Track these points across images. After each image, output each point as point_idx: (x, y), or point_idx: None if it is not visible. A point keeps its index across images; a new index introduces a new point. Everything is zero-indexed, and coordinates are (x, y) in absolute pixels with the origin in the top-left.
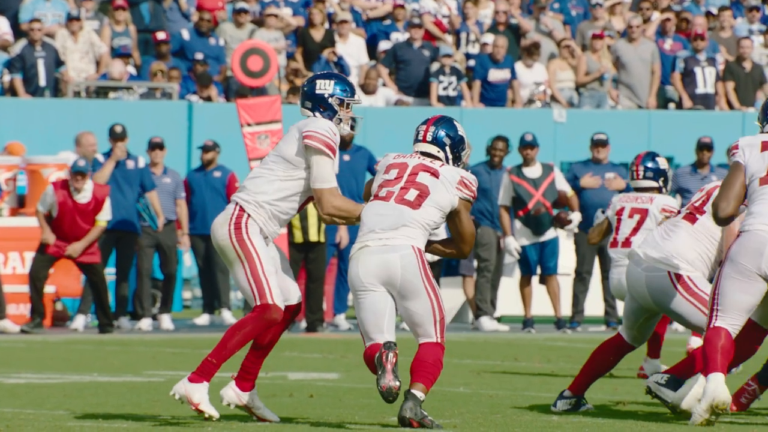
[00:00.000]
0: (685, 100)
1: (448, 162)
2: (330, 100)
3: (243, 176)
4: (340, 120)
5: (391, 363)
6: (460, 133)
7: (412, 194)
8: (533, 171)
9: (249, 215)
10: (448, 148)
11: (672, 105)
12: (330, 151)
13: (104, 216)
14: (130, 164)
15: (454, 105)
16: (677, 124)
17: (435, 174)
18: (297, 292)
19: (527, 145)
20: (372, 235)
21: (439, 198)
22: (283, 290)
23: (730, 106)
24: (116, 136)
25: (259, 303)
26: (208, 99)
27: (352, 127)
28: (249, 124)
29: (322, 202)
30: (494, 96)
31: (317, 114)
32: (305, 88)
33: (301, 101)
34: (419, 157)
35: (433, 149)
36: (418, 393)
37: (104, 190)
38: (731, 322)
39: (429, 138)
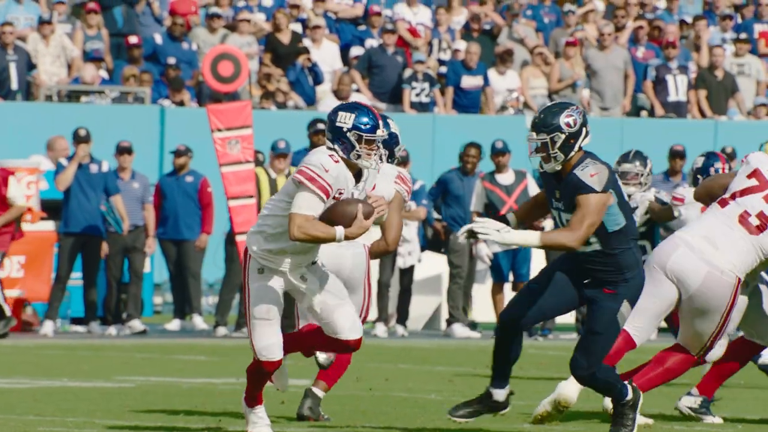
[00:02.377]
0: (656, 108)
1: (381, 158)
2: (348, 134)
3: (215, 182)
4: (359, 155)
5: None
6: (393, 129)
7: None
8: (506, 178)
9: (250, 255)
10: (381, 145)
11: (644, 113)
12: (313, 185)
13: (12, 193)
14: (94, 168)
15: (427, 111)
16: (649, 132)
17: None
18: (350, 325)
19: (499, 152)
20: None
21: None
22: (331, 324)
23: (703, 114)
24: (79, 139)
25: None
26: (181, 104)
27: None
28: (219, 130)
29: (290, 226)
30: (467, 103)
31: (336, 146)
32: (329, 118)
33: (326, 131)
34: None
35: None
36: (319, 391)
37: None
38: (635, 324)
39: None
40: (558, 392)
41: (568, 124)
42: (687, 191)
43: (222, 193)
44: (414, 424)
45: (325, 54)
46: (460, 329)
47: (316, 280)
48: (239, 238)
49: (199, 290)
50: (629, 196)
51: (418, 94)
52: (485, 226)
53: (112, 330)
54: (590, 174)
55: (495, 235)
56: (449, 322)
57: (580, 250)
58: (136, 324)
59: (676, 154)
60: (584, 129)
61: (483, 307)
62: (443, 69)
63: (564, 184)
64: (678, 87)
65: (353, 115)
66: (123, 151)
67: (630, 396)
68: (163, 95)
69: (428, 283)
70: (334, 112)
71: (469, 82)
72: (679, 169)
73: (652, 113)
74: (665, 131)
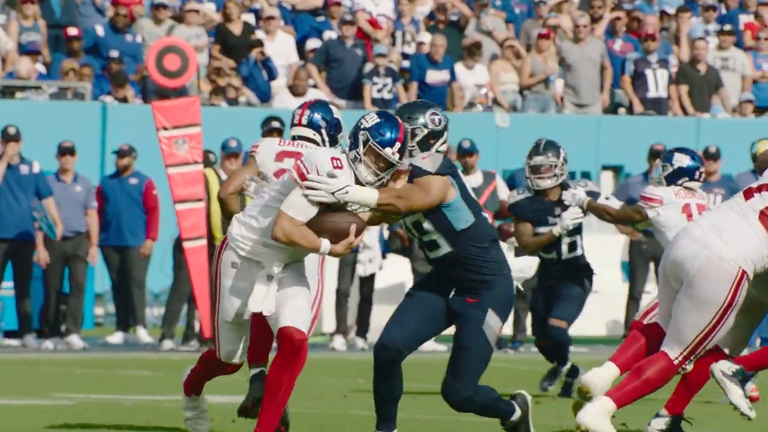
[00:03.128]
0: (635, 104)
1: (324, 145)
2: (359, 132)
3: (161, 183)
4: (357, 157)
5: None
6: (336, 116)
7: None
8: (474, 179)
9: (226, 243)
10: (323, 131)
11: (622, 110)
12: (301, 180)
13: None
14: (24, 169)
15: (390, 108)
16: (627, 130)
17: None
18: (294, 317)
19: (466, 152)
20: None
21: None
22: (275, 317)
23: (684, 111)
24: (8, 137)
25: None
26: (124, 100)
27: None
28: (165, 128)
29: (276, 223)
30: (432, 99)
31: (347, 149)
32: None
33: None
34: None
35: (309, 132)
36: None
37: None
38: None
39: (304, 121)
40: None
41: (433, 122)
42: (663, 191)
43: (168, 196)
44: None
45: (280, 47)
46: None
47: (287, 284)
48: (187, 245)
49: (143, 300)
50: (560, 195)
51: (379, 90)
52: (318, 183)
53: (49, 344)
54: (422, 157)
55: (326, 195)
56: None
57: (432, 256)
58: (75, 340)
59: (657, 154)
60: (446, 134)
61: None
62: (406, 63)
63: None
64: (658, 82)
65: (379, 120)
66: (65, 151)
67: (517, 414)
68: (105, 91)
69: (390, 292)
70: (369, 114)
71: (434, 77)
72: None
73: (630, 110)
74: (644, 129)
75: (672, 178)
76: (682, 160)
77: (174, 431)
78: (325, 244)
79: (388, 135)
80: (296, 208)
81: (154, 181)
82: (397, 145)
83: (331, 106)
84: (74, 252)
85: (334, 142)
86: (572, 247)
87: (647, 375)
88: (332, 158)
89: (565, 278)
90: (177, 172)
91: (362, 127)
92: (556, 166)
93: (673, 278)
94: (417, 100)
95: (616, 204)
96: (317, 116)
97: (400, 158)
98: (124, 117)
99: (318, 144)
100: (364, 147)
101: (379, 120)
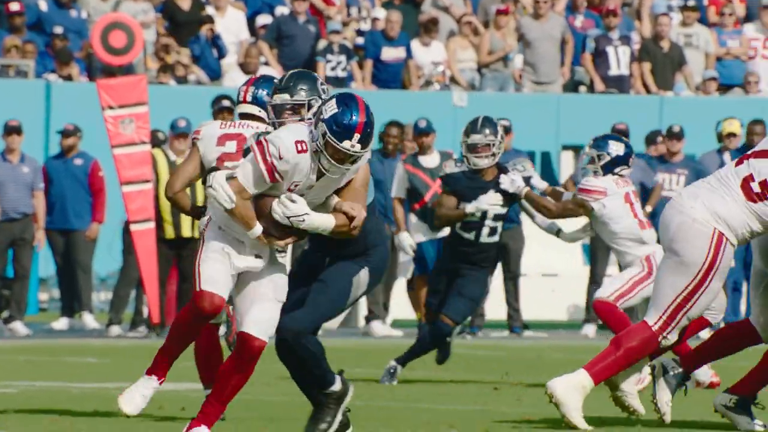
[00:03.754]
0: (596, 82)
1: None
2: (319, 123)
3: (107, 164)
4: (317, 149)
5: None
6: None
7: None
8: (430, 160)
9: (210, 217)
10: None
11: (582, 88)
12: (262, 165)
13: None
14: None
15: (344, 86)
16: (588, 108)
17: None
18: (258, 322)
19: (422, 132)
20: None
21: None
22: (243, 314)
23: (647, 90)
24: None
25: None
26: (69, 78)
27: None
28: (111, 107)
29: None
30: (387, 77)
31: (312, 129)
32: (323, 96)
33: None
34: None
35: (254, 109)
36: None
37: None
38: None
39: (249, 98)
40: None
41: (323, 91)
42: (604, 181)
43: (115, 177)
44: None
45: (230, 23)
46: (379, 327)
47: (265, 270)
48: (134, 228)
49: (89, 285)
50: (497, 176)
51: (333, 68)
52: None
53: None
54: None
55: (281, 216)
56: (368, 320)
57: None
58: (18, 327)
59: (619, 134)
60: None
61: (405, 302)
62: (361, 40)
63: None
64: (620, 60)
65: (337, 110)
66: (11, 131)
67: (337, 387)
68: (49, 69)
69: None
70: (325, 101)
71: (389, 54)
72: None
73: (591, 88)
74: (606, 108)
75: (609, 167)
76: (618, 149)
77: (121, 418)
78: (258, 229)
79: (345, 126)
80: (247, 175)
81: (101, 162)
82: (357, 136)
83: (276, 81)
84: (20, 235)
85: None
86: (493, 232)
87: (627, 345)
88: (296, 142)
89: (473, 265)
90: (123, 153)
91: (321, 117)
92: (493, 144)
93: (666, 249)
94: (301, 70)
95: (555, 197)
96: (262, 92)
97: (363, 149)
98: (68, 95)
99: (265, 121)
100: (322, 139)
101: (337, 109)
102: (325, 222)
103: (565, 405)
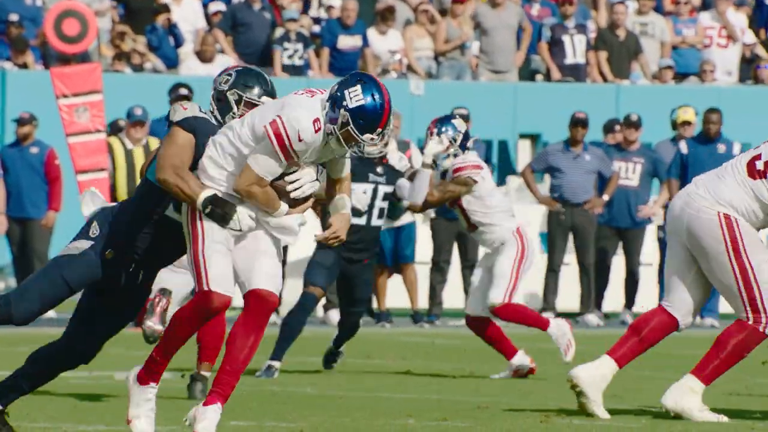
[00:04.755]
0: (553, 71)
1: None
2: (341, 110)
3: (62, 153)
4: (332, 133)
5: (162, 308)
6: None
7: None
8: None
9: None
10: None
11: (539, 77)
12: (281, 151)
13: None
14: None
15: (301, 75)
16: (545, 97)
17: None
18: (267, 276)
19: None
20: None
21: None
22: (247, 272)
23: (604, 78)
24: None
25: (197, 289)
26: (24, 66)
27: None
28: (65, 96)
29: (242, 176)
30: (344, 65)
31: (327, 109)
32: (340, 82)
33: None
34: None
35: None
36: (206, 372)
37: None
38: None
39: None
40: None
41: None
42: (473, 156)
43: (71, 166)
44: (285, 420)
45: (187, 11)
46: (337, 316)
47: (260, 236)
48: None
49: None
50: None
51: (290, 56)
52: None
53: None
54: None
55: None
56: (326, 309)
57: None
58: None
59: (578, 122)
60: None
61: None
62: (317, 28)
63: None
64: (576, 48)
65: (364, 102)
66: None
67: None
68: (4, 56)
69: (303, 265)
70: (353, 80)
71: (346, 42)
72: (581, 139)
73: (548, 77)
74: (563, 96)
75: (463, 145)
76: (462, 125)
77: (75, 408)
78: (284, 206)
79: (371, 119)
80: (265, 167)
81: (57, 151)
82: (378, 130)
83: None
84: None
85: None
86: (381, 213)
87: (734, 342)
88: (314, 121)
89: (363, 252)
90: (78, 141)
91: (345, 105)
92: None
93: (692, 249)
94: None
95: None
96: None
97: (380, 141)
98: (23, 83)
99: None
100: (342, 128)
101: (364, 100)
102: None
103: (686, 412)
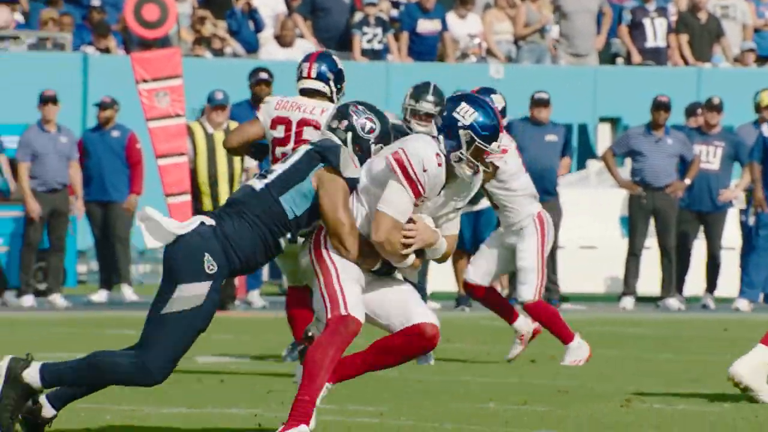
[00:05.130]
0: (633, 54)
1: (332, 96)
2: (460, 131)
3: (143, 137)
4: (461, 158)
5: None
6: (340, 66)
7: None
8: None
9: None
10: (331, 83)
11: (619, 60)
12: (409, 186)
13: None
14: None
15: (380, 59)
16: (625, 81)
17: (318, 127)
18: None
19: None
20: None
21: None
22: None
23: (685, 61)
24: None
25: (330, 315)
26: (106, 51)
27: (475, 172)
28: (145, 81)
29: (377, 225)
30: (424, 49)
31: (441, 138)
32: (447, 103)
33: (439, 117)
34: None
35: (319, 85)
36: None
37: None
38: None
39: (313, 74)
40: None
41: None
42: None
43: (151, 150)
44: (367, 404)
45: None
46: None
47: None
48: (170, 201)
49: (128, 257)
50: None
51: (369, 40)
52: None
53: (28, 300)
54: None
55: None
56: None
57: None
58: (57, 299)
59: (661, 106)
60: None
61: (442, 275)
62: (397, 12)
63: None
64: (657, 31)
65: (476, 113)
66: (47, 100)
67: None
68: (86, 41)
69: None
70: (456, 101)
71: (425, 26)
72: (663, 122)
73: (628, 60)
74: (643, 80)
75: None
76: (500, 101)
77: (157, 391)
78: (411, 257)
79: (492, 127)
80: (398, 207)
81: (138, 135)
82: (499, 135)
83: (335, 57)
84: (57, 206)
85: (339, 92)
86: None
87: None
88: (436, 154)
89: None
90: (158, 126)
91: (461, 125)
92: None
93: None
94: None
95: None
96: (324, 68)
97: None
98: (106, 68)
99: (326, 97)
100: (468, 148)
101: (476, 112)
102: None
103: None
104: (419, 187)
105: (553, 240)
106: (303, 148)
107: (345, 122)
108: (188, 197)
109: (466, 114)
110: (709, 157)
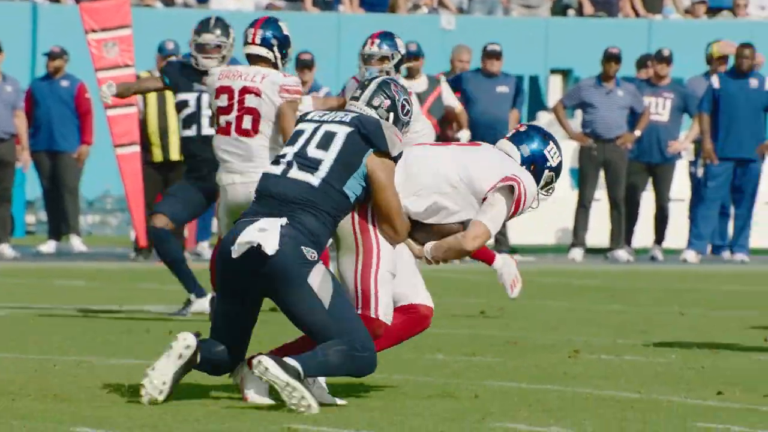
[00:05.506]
0: (585, 5)
1: (277, 63)
2: (546, 172)
3: (92, 87)
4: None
5: None
6: (285, 32)
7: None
8: (418, 85)
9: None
10: (275, 48)
11: (571, 11)
12: (513, 209)
13: None
14: None
15: (331, 10)
16: (576, 32)
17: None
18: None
19: (411, 56)
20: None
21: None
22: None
23: (636, 13)
24: None
25: (359, 311)
26: (55, 0)
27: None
28: (94, 30)
29: (474, 235)
30: (375, 1)
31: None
32: (530, 135)
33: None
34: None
35: (262, 51)
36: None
37: None
38: None
39: (257, 40)
40: None
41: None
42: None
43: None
44: None
45: None
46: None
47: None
48: (119, 151)
49: (77, 208)
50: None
51: None
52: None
53: None
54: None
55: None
56: None
57: None
58: (5, 250)
59: (612, 58)
60: None
61: None
62: None
63: None
64: None
65: (556, 152)
66: None
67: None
68: None
69: None
70: (544, 139)
71: None
72: (614, 74)
73: (580, 12)
74: (595, 32)
75: (398, 67)
76: (402, 46)
77: (106, 342)
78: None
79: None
80: (497, 225)
81: (87, 85)
82: None
83: (281, 23)
84: (2, 156)
85: (284, 57)
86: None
87: None
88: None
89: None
90: (107, 76)
91: (549, 165)
92: (224, 46)
93: None
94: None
95: None
96: (269, 34)
97: None
98: (55, 18)
99: (270, 63)
100: (545, 186)
101: (560, 156)
102: None
103: None
104: (516, 215)
105: None
106: (342, 131)
107: (388, 102)
108: (137, 148)
109: (554, 156)
110: (659, 108)
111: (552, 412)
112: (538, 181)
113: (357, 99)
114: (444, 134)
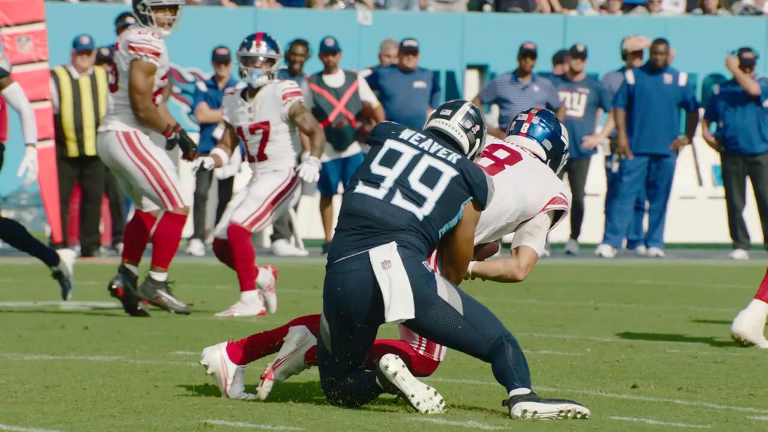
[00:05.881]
0: (501, 1)
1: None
2: (563, 156)
3: None
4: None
5: None
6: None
7: None
8: (335, 79)
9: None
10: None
11: (487, 7)
12: (551, 226)
13: None
14: None
15: (248, 5)
16: (492, 27)
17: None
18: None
19: (329, 51)
20: None
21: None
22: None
23: (551, 8)
24: None
25: (423, 352)
26: None
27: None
28: (7, 25)
29: (527, 263)
30: None
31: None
32: (547, 123)
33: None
34: None
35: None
36: (158, 275)
37: None
38: None
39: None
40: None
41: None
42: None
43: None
44: None
45: None
46: (284, 247)
47: None
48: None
49: None
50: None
51: None
52: None
53: None
54: None
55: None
56: (273, 239)
57: None
58: None
59: (527, 53)
60: None
61: (310, 222)
62: None
63: None
64: None
65: (567, 135)
66: None
67: None
68: None
69: None
70: (557, 124)
71: None
72: (529, 70)
73: (496, 7)
74: (511, 27)
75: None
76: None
77: (20, 338)
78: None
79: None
80: (543, 245)
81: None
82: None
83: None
84: None
85: (148, 15)
86: None
87: None
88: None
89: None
90: (21, 72)
91: (566, 149)
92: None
93: None
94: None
95: None
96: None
97: None
98: None
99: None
100: (561, 167)
101: (565, 131)
102: None
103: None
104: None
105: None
106: (447, 172)
107: (477, 128)
108: (52, 143)
109: (565, 138)
110: (574, 104)
111: (468, 406)
112: (558, 167)
113: (440, 116)
114: (362, 130)
